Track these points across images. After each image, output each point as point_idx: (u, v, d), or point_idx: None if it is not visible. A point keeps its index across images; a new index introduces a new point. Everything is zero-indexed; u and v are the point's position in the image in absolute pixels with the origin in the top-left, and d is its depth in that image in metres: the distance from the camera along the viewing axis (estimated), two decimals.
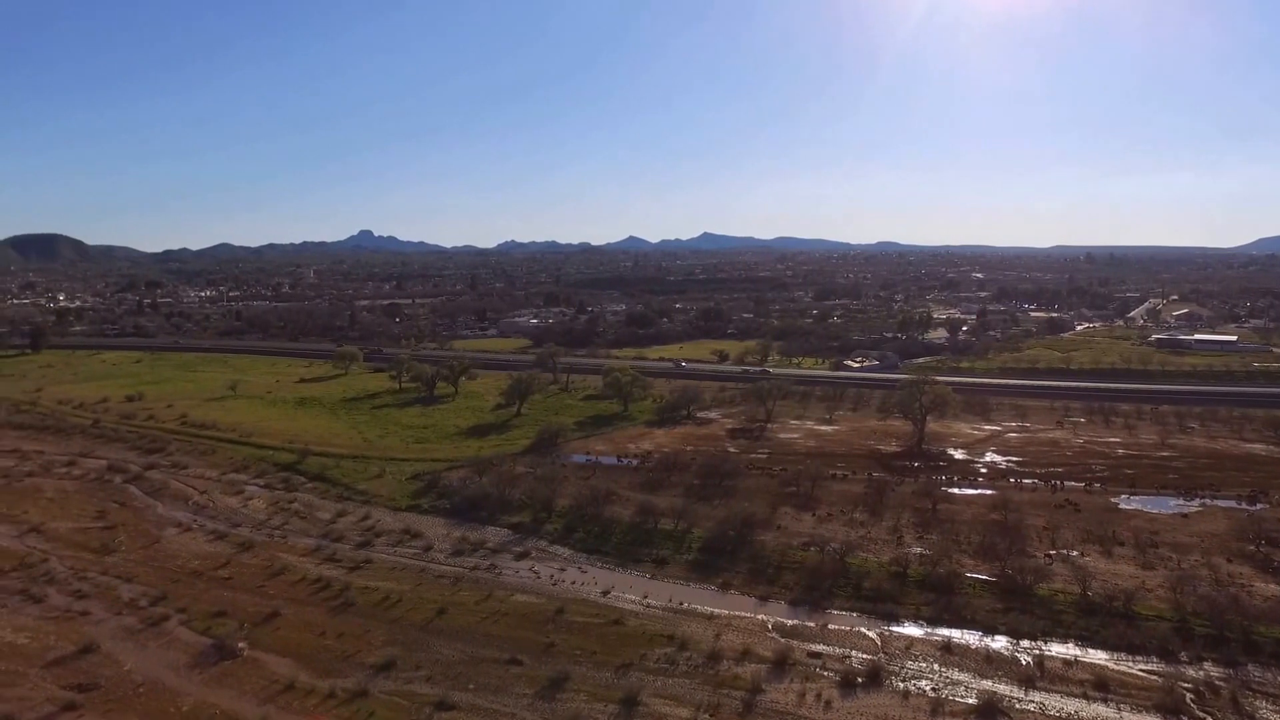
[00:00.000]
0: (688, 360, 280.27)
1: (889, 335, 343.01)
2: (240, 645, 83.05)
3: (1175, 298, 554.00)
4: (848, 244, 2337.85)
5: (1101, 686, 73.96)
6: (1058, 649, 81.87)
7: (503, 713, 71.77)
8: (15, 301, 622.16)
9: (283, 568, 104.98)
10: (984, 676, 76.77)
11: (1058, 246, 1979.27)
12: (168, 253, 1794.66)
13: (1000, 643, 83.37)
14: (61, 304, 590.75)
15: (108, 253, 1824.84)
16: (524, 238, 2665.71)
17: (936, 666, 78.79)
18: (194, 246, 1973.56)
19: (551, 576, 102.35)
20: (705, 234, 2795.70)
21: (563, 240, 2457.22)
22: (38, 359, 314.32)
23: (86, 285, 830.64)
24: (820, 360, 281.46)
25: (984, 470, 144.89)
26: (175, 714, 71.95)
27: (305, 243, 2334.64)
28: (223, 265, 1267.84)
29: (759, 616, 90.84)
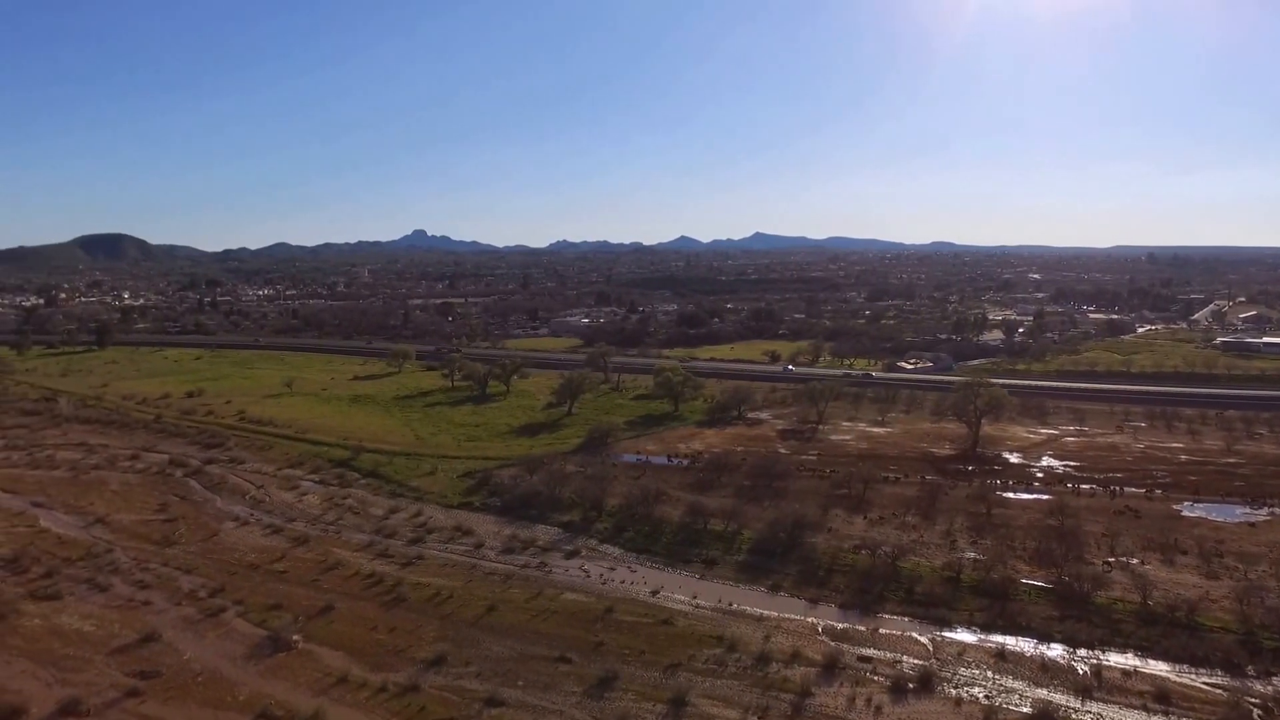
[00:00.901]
0: (740, 360, 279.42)
1: (943, 337, 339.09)
2: (295, 638, 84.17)
3: (1242, 299, 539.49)
4: (901, 244, 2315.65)
5: (1162, 699, 72.25)
6: (1116, 659, 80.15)
7: (551, 710, 71.90)
8: (83, 300, 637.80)
9: (336, 563, 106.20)
10: (1039, 685, 75.38)
11: (1118, 246, 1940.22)
12: (227, 252, 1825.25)
13: (1056, 651, 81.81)
14: (126, 302, 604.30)
15: (170, 252, 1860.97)
16: (575, 237, 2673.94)
17: (990, 674, 77.53)
18: (253, 246, 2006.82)
19: (601, 575, 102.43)
20: (757, 234, 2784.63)
21: (614, 240, 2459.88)
22: (104, 355, 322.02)
23: (150, 284, 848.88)
24: (873, 361, 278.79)
25: (1040, 475, 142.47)
26: (232, 703, 73.16)
27: (360, 242, 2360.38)
28: (280, 264, 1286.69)
29: (809, 619, 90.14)
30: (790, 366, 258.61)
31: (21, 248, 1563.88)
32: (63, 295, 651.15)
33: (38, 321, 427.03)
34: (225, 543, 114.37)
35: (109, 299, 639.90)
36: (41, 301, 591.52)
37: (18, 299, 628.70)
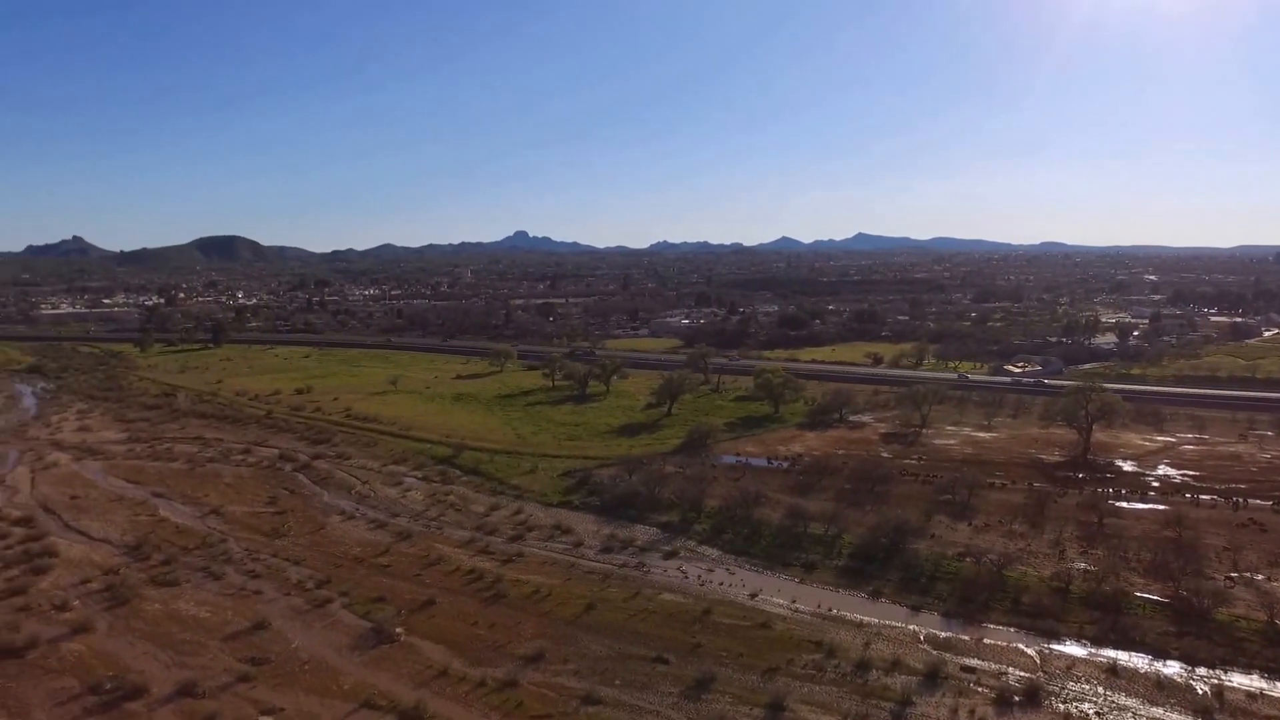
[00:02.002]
0: (841, 362, 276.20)
1: (1052, 340, 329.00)
2: (397, 630, 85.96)
3: None
4: (1009, 244, 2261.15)
5: None
6: (1239, 680, 76.34)
7: (648, 710, 71.95)
8: (200, 299, 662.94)
9: (438, 558, 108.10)
10: (1154, 704, 72.38)
11: (1241, 246, 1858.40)
12: (335, 253, 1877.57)
13: (1173, 669, 78.42)
14: (240, 301, 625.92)
15: (281, 253, 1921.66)
16: (676, 238, 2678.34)
17: (1100, 689, 74.81)
18: (360, 247, 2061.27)
19: (699, 577, 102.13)
20: (860, 234, 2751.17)
21: (715, 241, 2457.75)
22: (219, 353, 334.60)
23: (262, 284, 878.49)
24: (979, 364, 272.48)
25: (1155, 484, 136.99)
26: (337, 692, 75.06)
27: (463, 243, 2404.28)
28: (386, 265, 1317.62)
29: (910, 627, 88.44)
30: (960, 374, 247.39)
31: (144, 249, 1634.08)
32: (181, 295, 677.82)
33: (158, 320, 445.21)
34: (331, 536, 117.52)
35: (224, 298, 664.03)
36: (162, 301, 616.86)
37: (140, 298, 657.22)
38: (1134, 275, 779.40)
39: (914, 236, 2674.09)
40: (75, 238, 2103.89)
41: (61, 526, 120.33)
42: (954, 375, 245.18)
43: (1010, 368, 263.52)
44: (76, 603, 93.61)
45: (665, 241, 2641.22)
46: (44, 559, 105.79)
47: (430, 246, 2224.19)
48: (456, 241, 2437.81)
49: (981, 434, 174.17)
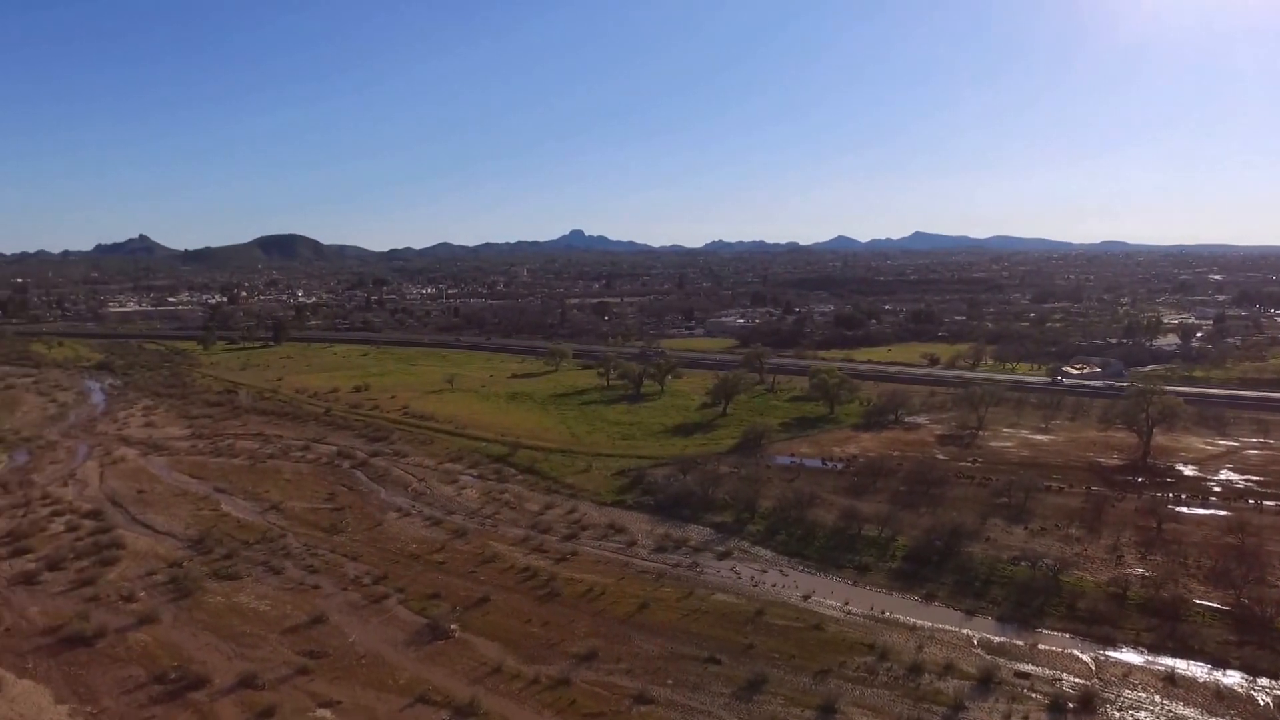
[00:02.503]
0: (897, 363, 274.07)
1: (1113, 341, 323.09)
2: (452, 627, 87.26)
3: None
4: (1069, 243, 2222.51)
5: None
6: None
7: (700, 710, 72.30)
8: (261, 298, 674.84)
9: (493, 555, 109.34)
10: (1213, 714, 71.19)
11: None
12: (393, 252, 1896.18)
13: (1233, 679, 76.97)
14: (299, 300, 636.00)
15: (340, 252, 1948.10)
16: (731, 238, 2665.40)
17: (1158, 698, 73.69)
18: (417, 246, 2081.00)
19: (752, 577, 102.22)
20: (917, 233, 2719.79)
21: (770, 240, 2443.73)
22: (279, 350, 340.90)
23: (321, 282, 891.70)
24: (1036, 366, 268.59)
25: (1217, 489, 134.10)
26: (393, 686, 76.41)
27: (520, 242, 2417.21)
28: (443, 264, 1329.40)
29: (964, 631, 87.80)
30: (1062, 378, 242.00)
31: (208, 248, 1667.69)
32: (243, 293, 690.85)
33: (221, 318, 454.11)
34: (388, 532, 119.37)
35: (284, 297, 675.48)
36: (224, 299, 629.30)
37: (203, 297, 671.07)
38: (1198, 275, 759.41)
39: (972, 235, 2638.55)
40: (141, 236, 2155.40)
41: (128, 520, 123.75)
42: (1013, 376, 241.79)
43: (1069, 369, 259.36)
44: (143, 594, 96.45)
45: (721, 241, 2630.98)
46: (112, 551, 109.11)
47: (487, 245, 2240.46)
48: (513, 240, 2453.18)
49: (1039, 436, 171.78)
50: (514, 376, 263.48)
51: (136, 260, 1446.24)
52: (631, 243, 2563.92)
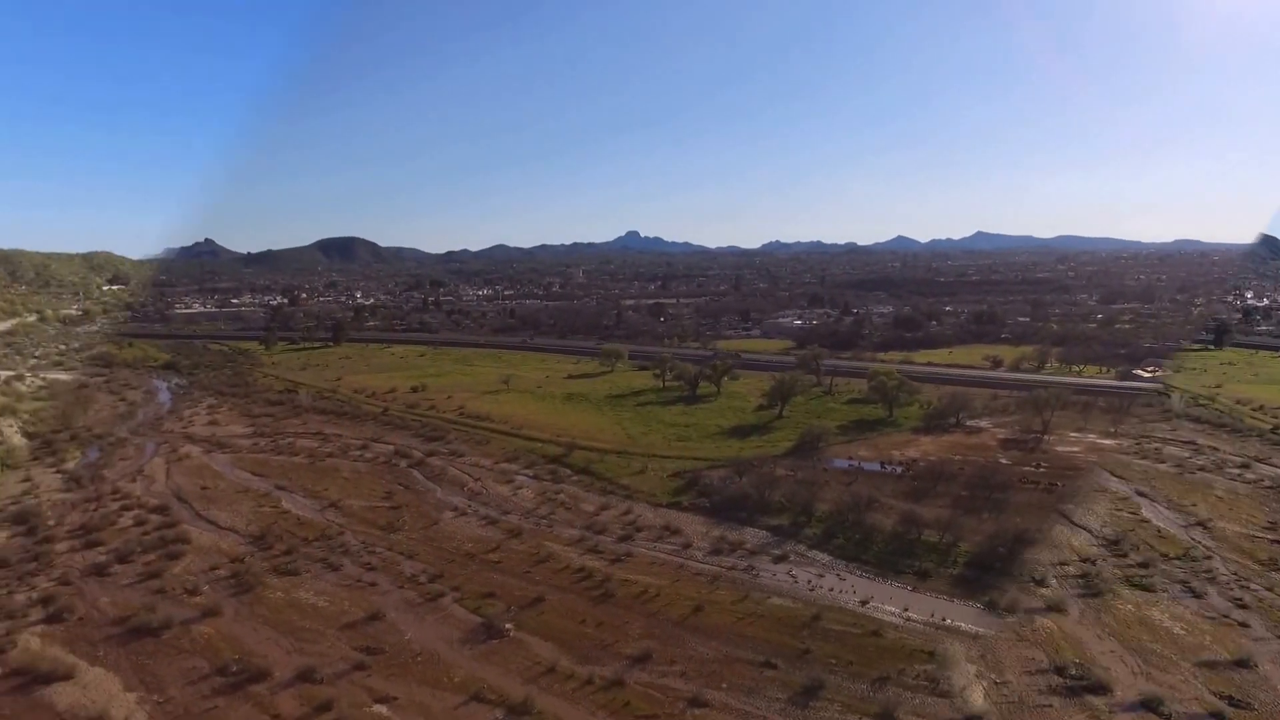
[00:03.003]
0: (958, 365, 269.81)
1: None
2: (507, 626, 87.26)
3: None
4: (1139, 242, 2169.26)
5: None
6: None
7: (755, 715, 71.51)
8: (320, 299, 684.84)
9: (548, 555, 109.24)
10: None
11: None
12: (450, 254, 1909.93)
13: None
14: (358, 301, 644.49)
15: (397, 254, 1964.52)
16: (788, 238, 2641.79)
17: None
18: (473, 248, 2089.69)
19: (809, 581, 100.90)
20: (979, 233, 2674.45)
21: (828, 240, 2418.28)
22: (338, 350, 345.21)
23: (379, 284, 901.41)
24: (1105, 369, 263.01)
25: None
26: (448, 684, 76.62)
27: (575, 243, 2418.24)
28: (499, 265, 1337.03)
29: None
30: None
31: (269, 251, 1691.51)
32: (303, 295, 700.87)
33: (282, 319, 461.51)
34: (444, 531, 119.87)
35: (343, 298, 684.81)
36: (285, 301, 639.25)
37: (265, 298, 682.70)
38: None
39: (1036, 235, 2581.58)
40: (207, 240, 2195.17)
41: (193, 515, 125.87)
42: (1080, 379, 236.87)
43: (1140, 372, 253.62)
44: (206, 588, 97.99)
45: (778, 241, 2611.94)
46: (177, 545, 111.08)
47: (542, 247, 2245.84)
48: (569, 242, 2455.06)
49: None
50: (570, 377, 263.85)
51: (202, 263, 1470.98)
52: (687, 243, 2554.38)
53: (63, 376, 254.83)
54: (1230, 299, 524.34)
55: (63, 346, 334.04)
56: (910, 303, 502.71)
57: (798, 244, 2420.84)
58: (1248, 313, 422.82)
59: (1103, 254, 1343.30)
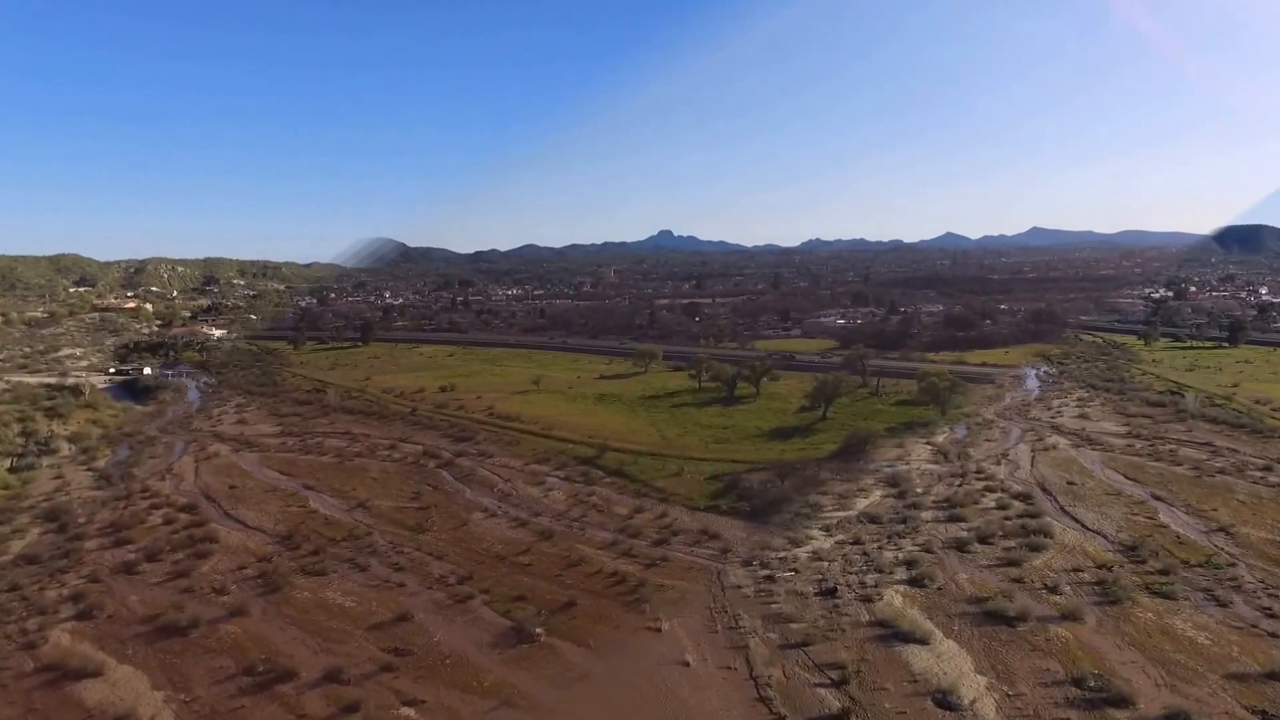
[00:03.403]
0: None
1: None
2: (537, 630, 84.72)
3: None
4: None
5: None
6: None
7: None
8: (349, 299, 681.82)
9: (580, 559, 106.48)
10: None
11: None
12: (479, 253, 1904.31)
13: None
14: (387, 301, 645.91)
15: (426, 254, 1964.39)
16: (829, 235, 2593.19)
17: None
18: (503, 247, 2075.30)
19: None
20: (1034, 229, 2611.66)
21: (871, 238, 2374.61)
22: (367, 350, 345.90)
23: (408, 284, 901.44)
24: None
25: None
26: (477, 688, 74.58)
27: (606, 243, 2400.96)
28: (529, 265, 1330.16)
29: None
30: None
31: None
32: (332, 295, 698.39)
33: (311, 319, 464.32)
34: (474, 533, 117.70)
35: (372, 298, 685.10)
36: (315, 301, 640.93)
37: (295, 298, 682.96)
38: None
39: (1098, 230, 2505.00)
40: None
41: (221, 514, 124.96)
42: None
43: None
44: (234, 587, 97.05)
45: (818, 239, 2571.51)
46: (205, 544, 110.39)
47: (573, 246, 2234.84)
48: (600, 241, 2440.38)
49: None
50: (602, 378, 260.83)
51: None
52: (723, 242, 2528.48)
53: (28, 379, 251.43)
54: (1244, 294, 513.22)
55: (27, 349, 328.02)
56: (962, 301, 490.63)
57: (839, 241, 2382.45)
58: (1263, 309, 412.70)
59: (1171, 249, 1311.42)
